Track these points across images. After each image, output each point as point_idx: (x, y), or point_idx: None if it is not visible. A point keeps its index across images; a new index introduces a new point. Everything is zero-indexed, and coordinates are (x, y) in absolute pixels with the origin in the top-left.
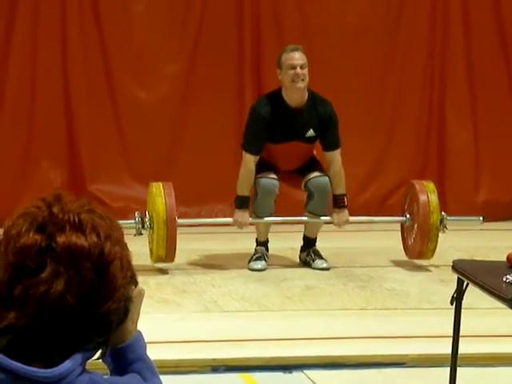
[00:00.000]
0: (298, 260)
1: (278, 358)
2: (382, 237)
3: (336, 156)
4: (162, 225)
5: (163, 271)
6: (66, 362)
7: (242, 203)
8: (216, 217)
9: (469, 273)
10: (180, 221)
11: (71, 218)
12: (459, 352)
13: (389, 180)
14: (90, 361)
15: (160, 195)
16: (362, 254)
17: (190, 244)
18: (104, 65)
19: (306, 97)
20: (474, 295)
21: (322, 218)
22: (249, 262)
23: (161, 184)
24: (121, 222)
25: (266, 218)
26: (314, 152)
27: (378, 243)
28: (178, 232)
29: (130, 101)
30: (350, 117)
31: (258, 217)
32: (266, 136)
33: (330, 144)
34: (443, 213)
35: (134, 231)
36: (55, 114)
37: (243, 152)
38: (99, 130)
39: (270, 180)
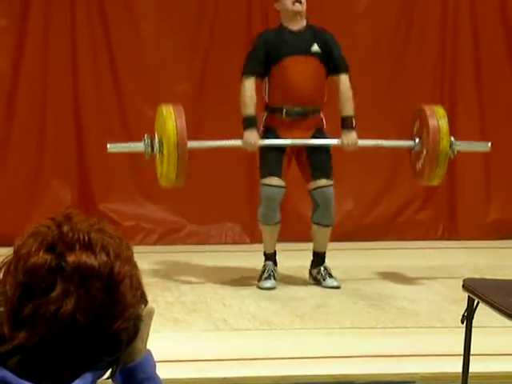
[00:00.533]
0: (307, 278)
1: (289, 377)
2: (393, 255)
3: (343, 79)
4: (172, 147)
5: (173, 290)
6: (76, 381)
7: (249, 123)
8: (226, 236)
9: (479, 291)
10: (191, 143)
11: (81, 238)
12: (470, 371)
13: (398, 200)
14: (99, 380)
15: (171, 118)
16: (373, 272)
17: (200, 261)
18: (114, 84)
19: (305, 23)
20: (484, 314)
21: (329, 140)
22: (259, 281)
23: (171, 106)
24: (129, 144)
25: (275, 141)
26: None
27: (388, 261)
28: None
29: (140, 120)
30: (360, 135)
31: (263, 224)
32: (272, 56)
33: (335, 66)
34: (452, 138)
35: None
36: (65, 132)
37: (242, 79)
38: None
39: (274, 189)
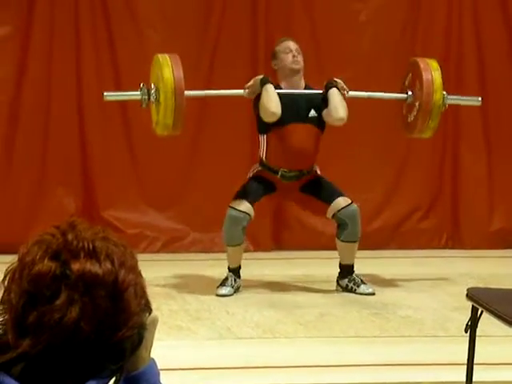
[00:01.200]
0: (311, 286)
1: None
2: (396, 264)
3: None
4: (170, 94)
5: (176, 298)
6: None
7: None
8: None
9: (483, 301)
10: (188, 92)
11: (85, 246)
12: (473, 380)
13: (401, 208)
14: None
15: (167, 65)
16: (376, 281)
17: (204, 269)
18: (117, 88)
19: (304, 85)
20: (488, 323)
21: (317, 91)
22: (217, 287)
23: (167, 55)
24: (126, 93)
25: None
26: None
27: (392, 270)
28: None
29: (144, 127)
30: (364, 145)
31: (228, 245)
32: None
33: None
34: (444, 91)
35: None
36: (69, 140)
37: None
38: (113, 157)
39: (239, 213)
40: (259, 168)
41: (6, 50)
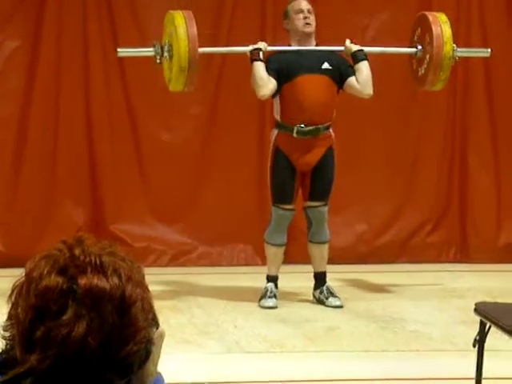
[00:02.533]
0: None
1: None
2: (405, 278)
3: (352, 79)
4: (184, 50)
5: (184, 311)
6: None
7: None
8: (238, 257)
9: (491, 315)
10: (201, 49)
11: (93, 261)
12: None
13: (410, 222)
14: None
15: (182, 21)
16: (385, 295)
17: (212, 283)
18: (127, 105)
19: (315, 43)
20: (496, 337)
21: (334, 47)
22: (259, 300)
23: (181, 11)
24: (139, 49)
25: (283, 48)
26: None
27: (400, 284)
28: None
29: (152, 141)
30: (373, 158)
31: (270, 244)
32: (284, 76)
33: (344, 75)
34: (454, 44)
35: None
36: (78, 153)
37: None
38: (122, 170)
39: (286, 212)
40: (276, 132)
41: (15, 64)
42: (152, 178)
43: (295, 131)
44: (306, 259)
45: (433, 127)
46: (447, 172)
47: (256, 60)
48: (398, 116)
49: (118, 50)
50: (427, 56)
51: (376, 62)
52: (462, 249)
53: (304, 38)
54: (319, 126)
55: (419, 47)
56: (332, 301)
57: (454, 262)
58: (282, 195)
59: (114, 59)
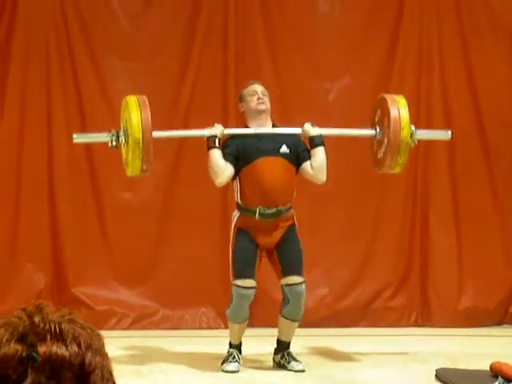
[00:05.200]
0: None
1: None
2: (366, 342)
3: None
4: (137, 135)
5: (146, 375)
6: None
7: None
8: (200, 321)
9: (452, 382)
10: (156, 133)
11: (52, 328)
12: None
13: (371, 286)
14: None
15: (135, 107)
16: (346, 359)
17: (174, 346)
18: (89, 166)
19: (271, 124)
20: None
21: (293, 129)
22: (222, 364)
23: (135, 98)
24: (94, 135)
25: (240, 130)
26: (296, 226)
27: (361, 348)
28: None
29: (114, 202)
30: (334, 222)
31: (234, 322)
32: (243, 159)
33: (301, 159)
34: (413, 127)
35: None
36: (39, 216)
37: None
38: (83, 232)
39: (247, 290)
40: (238, 214)
41: None
42: (114, 240)
43: (257, 214)
44: (269, 323)
45: (393, 190)
46: (408, 236)
47: (212, 148)
48: (358, 178)
49: (74, 135)
50: (385, 139)
51: (337, 122)
52: (423, 313)
53: (259, 116)
54: (281, 207)
55: (378, 129)
56: (294, 365)
57: (416, 326)
58: (243, 268)
59: (77, 118)
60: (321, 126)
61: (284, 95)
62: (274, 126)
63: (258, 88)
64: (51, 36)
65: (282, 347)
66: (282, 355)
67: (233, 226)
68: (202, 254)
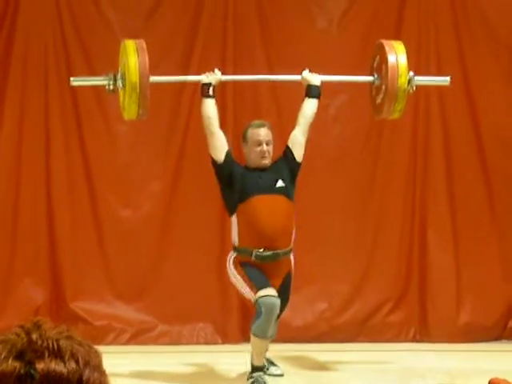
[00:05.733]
0: (280, 380)
1: None
2: (365, 357)
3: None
4: (134, 82)
5: None
6: None
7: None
8: (198, 336)
9: None
10: (153, 78)
11: (50, 345)
12: None
13: (369, 301)
14: None
15: (133, 51)
16: (344, 374)
17: (172, 362)
18: (87, 183)
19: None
20: None
21: (291, 77)
22: None
23: (134, 42)
24: (92, 78)
25: (236, 77)
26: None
27: (360, 363)
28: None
29: (112, 219)
30: (333, 237)
31: (262, 338)
32: (239, 194)
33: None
34: (411, 73)
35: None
36: (38, 231)
37: None
38: (82, 248)
39: (274, 299)
40: (234, 255)
41: None
42: (112, 255)
43: (253, 256)
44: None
45: (392, 206)
46: (406, 251)
47: (205, 96)
48: (357, 196)
49: (72, 79)
50: (383, 86)
51: (335, 139)
52: (422, 328)
53: (259, 166)
54: (278, 251)
55: (376, 76)
56: (272, 369)
57: (414, 342)
58: (261, 282)
59: (75, 136)
60: (318, 140)
61: (281, 111)
62: (274, 162)
63: (264, 137)
64: (50, 49)
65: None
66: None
67: (231, 265)
68: (200, 269)
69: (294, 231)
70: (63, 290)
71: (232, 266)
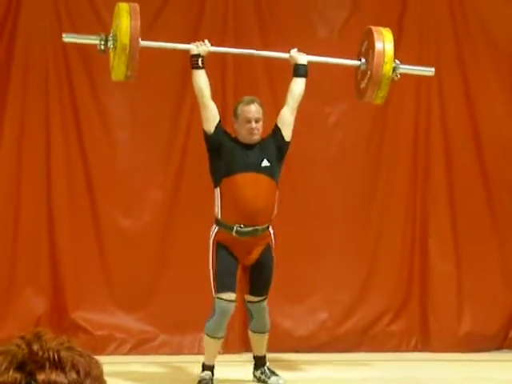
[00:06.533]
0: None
1: None
2: (366, 367)
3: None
4: (125, 45)
5: None
6: None
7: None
8: (199, 346)
9: None
10: (143, 42)
11: (51, 356)
12: None
13: (371, 310)
14: None
15: (126, 13)
16: None
17: (173, 372)
18: (88, 192)
19: (259, 138)
20: None
21: (279, 54)
22: None
23: (128, 5)
24: (84, 36)
25: (222, 49)
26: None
27: (361, 373)
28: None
29: (113, 228)
30: (333, 247)
31: (212, 337)
32: (225, 168)
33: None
34: (397, 61)
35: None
36: (38, 240)
37: None
38: (82, 258)
39: (230, 304)
40: (216, 229)
41: None
42: (113, 265)
43: (234, 231)
44: (269, 349)
45: (393, 215)
46: (407, 260)
47: (194, 68)
48: (358, 204)
49: (64, 35)
50: (368, 72)
51: (337, 146)
52: (423, 338)
53: (249, 143)
54: (258, 227)
55: (363, 60)
56: (274, 380)
57: (415, 351)
58: (225, 282)
59: (76, 146)
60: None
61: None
62: (262, 139)
63: (253, 113)
64: (50, 56)
65: (260, 362)
66: (263, 371)
67: (211, 241)
68: (201, 279)
69: (275, 208)
70: (64, 300)
71: (211, 242)
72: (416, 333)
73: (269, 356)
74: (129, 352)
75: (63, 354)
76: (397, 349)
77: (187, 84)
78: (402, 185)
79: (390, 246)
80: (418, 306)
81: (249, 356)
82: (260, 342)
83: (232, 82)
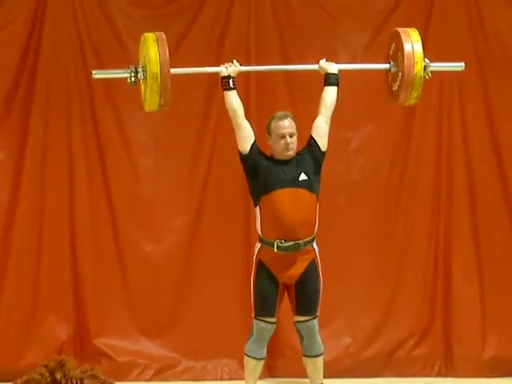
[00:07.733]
0: None
1: None
2: None
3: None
4: (155, 71)
5: None
6: None
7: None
8: (222, 372)
9: None
10: (174, 70)
11: None
12: None
13: (394, 335)
14: None
15: (153, 44)
16: None
17: None
18: (111, 218)
19: (294, 153)
20: None
21: (308, 66)
22: None
23: (154, 34)
24: (114, 71)
25: (252, 68)
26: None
27: None
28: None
29: (136, 254)
30: (357, 271)
31: (250, 357)
32: (263, 186)
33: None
34: (426, 60)
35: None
36: (61, 267)
37: None
38: (105, 284)
39: (268, 325)
40: (259, 246)
41: None
42: (135, 291)
43: (275, 247)
44: (291, 374)
45: (416, 239)
46: (431, 285)
47: (225, 89)
48: (380, 229)
49: (93, 72)
50: (400, 73)
51: (358, 172)
52: (447, 362)
53: (284, 158)
54: (299, 241)
55: (392, 63)
56: None
57: (439, 376)
58: (264, 308)
59: (99, 172)
60: (341, 175)
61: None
62: (298, 154)
63: (287, 128)
64: (72, 88)
65: None
66: None
67: (254, 258)
68: (224, 305)
69: (316, 221)
70: (87, 327)
71: (254, 259)
72: (440, 357)
73: (290, 381)
74: (152, 378)
75: (86, 382)
76: (421, 374)
77: (210, 109)
78: (425, 209)
79: (413, 271)
80: (442, 331)
81: (272, 381)
82: (314, 367)
83: (254, 100)
